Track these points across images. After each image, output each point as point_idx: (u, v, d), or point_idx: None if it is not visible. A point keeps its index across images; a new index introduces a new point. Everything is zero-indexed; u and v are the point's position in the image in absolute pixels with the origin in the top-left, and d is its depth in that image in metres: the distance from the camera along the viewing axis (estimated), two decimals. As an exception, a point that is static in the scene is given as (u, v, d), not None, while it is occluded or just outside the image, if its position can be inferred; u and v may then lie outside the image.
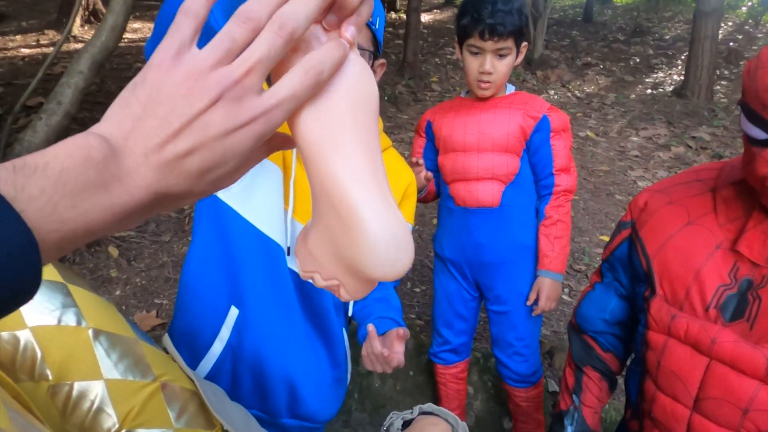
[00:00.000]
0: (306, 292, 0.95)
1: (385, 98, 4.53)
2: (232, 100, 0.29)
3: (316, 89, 0.32)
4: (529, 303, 1.34)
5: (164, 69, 0.29)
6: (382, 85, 4.82)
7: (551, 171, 1.30)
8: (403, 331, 0.87)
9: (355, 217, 0.33)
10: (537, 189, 1.34)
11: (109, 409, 0.63)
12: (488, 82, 1.23)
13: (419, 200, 1.29)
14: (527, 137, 1.28)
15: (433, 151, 1.41)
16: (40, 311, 0.63)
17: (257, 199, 0.90)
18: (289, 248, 0.92)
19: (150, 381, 0.67)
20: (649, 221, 0.91)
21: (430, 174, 1.22)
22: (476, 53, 1.22)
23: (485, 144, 1.27)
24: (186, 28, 0.30)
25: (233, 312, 0.93)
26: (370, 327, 0.87)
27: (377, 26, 0.91)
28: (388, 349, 0.84)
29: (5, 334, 0.61)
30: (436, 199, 1.46)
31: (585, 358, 1.02)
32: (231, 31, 0.30)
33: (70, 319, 0.64)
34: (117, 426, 0.63)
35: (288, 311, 0.94)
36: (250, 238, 0.90)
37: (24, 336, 0.61)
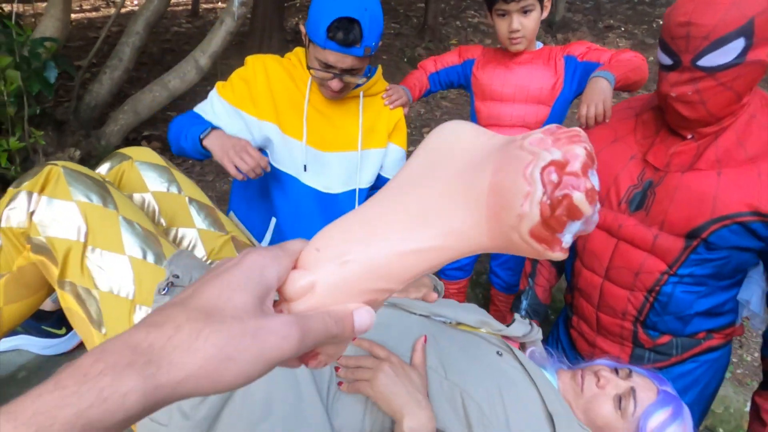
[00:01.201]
0: (323, 200, 1.29)
1: (405, 60, 4.74)
2: None
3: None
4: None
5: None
6: (402, 48, 5.02)
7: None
8: None
9: None
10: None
11: (200, 247, 0.98)
12: (519, 37, 1.39)
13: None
14: (562, 81, 1.41)
15: (457, 78, 1.60)
16: (156, 183, 0.97)
17: (285, 159, 1.26)
18: (305, 165, 1.25)
19: (224, 234, 1.02)
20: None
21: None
22: (503, 14, 1.39)
23: (521, 96, 1.46)
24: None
25: (273, 221, 1.32)
26: None
27: (372, 46, 1.13)
28: None
29: (137, 195, 0.95)
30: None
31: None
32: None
33: (174, 189, 0.98)
34: (206, 257, 0.98)
35: (310, 216, 1.29)
36: (278, 176, 1.27)
37: (147, 197, 0.96)
